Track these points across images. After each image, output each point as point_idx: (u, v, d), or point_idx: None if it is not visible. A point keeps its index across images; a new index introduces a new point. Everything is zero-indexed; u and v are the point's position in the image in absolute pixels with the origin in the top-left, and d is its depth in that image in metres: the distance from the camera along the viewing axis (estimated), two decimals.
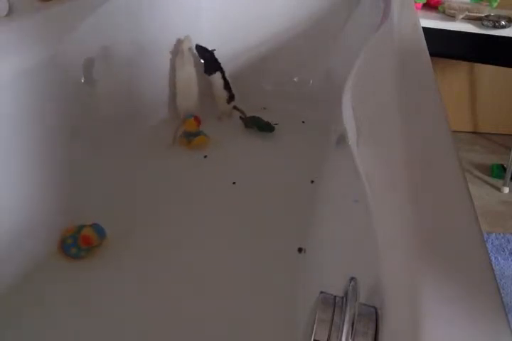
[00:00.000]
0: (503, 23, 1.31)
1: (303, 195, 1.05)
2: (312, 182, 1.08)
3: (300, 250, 0.89)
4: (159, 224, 0.99)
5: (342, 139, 1.10)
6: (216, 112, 1.41)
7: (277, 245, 0.92)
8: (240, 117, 1.36)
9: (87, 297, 0.81)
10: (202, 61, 1.38)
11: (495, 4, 1.40)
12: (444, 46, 1.41)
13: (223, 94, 1.39)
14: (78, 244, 0.87)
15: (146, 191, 1.08)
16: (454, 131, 1.76)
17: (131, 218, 0.99)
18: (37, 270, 0.85)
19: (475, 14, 1.36)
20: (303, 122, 1.37)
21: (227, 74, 1.38)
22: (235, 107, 1.39)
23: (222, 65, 1.38)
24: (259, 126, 1.32)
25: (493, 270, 0.36)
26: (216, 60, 1.38)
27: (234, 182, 1.11)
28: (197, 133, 1.24)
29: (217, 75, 1.37)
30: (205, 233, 0.96)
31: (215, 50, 1.37)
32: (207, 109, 1.35)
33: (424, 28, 0.88)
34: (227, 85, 1.38)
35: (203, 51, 1.37)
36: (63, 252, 0.87)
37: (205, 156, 1.21)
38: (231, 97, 1.39)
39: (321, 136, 1.27)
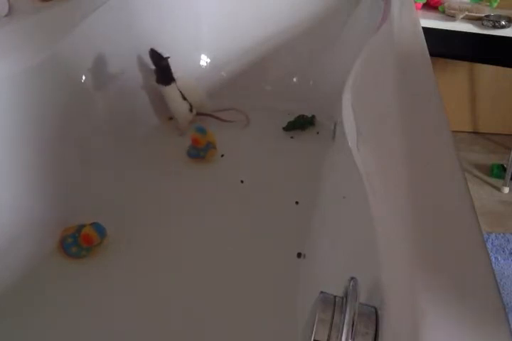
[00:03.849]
0: (503, 23, 1.31)
1: (305, 197, 1.05)
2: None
3: (299, 255, 0.88)
4: (159, 222, 0.99)
5: (334, 130, 1.10)
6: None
7: (278, 248, 0.91)
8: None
9: (88, 295, 0.81)
10: (154, 68, 1.21)
11: (495, 4, 1.40)
12: (444, 46, 1.40)
13: (184, 106, 1.24)
14: (79, 243, 0.87)
15: (146, 189, 1.08)
16: (454, 131, 1.76)
17: (131, 217, 0.99)
18: (37, 269, 0.85)
19: (475, 14, 1.36)
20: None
21: (225, 75, 1.36)
22: (210, 115, 1.31)
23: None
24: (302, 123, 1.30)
25: (493, 270, 0.36)
26: (170, 68, 1.20)
27: (242, 181, 1.11)
28: (206, 147, 1.15)
29: (173, 86, 1.21)
30: (206, 232, 0.96)
31: (169, 57, 1.18)
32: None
33: (424, 28, 0.88)
34: (183, 95, 1.24)
35: (158, 58, 1.18)
36: (64, 251, 0.87)
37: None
38: (191, 107, 1.26)
39: (324, 135, 1.27)
